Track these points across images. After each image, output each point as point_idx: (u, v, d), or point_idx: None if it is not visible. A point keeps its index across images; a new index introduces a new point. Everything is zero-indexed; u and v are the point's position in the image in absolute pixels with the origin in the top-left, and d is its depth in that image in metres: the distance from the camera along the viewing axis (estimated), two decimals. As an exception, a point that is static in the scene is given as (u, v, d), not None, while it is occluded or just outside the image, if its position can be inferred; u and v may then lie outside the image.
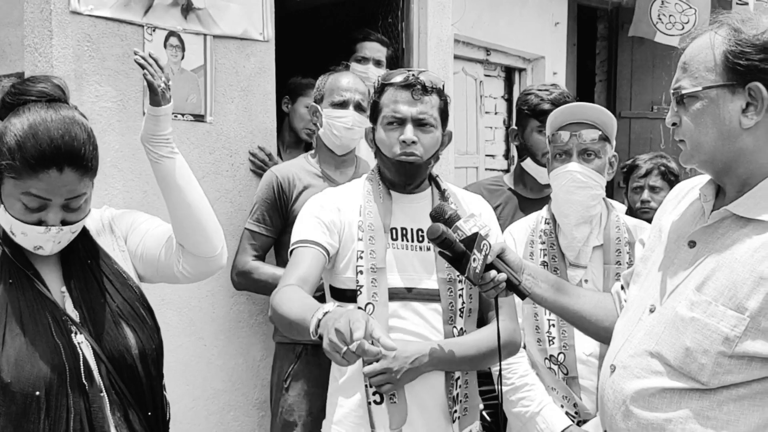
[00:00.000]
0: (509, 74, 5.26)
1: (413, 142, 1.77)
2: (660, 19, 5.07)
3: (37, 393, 1.38)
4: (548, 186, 2.24)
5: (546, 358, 2.02)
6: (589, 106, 2.08)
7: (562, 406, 2.00)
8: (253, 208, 2.50)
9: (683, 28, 4.94)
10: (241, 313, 2.73)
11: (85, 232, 1.55)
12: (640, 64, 6.47)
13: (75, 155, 1.39)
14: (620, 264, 2.03)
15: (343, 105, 2.49)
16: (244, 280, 2.48)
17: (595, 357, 1.99)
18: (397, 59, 3.71)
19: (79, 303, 1.49)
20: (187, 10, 2.53)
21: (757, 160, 1.31)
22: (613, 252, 2.05)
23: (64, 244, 1.48)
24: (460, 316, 1.78)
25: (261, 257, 2.49)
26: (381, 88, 1.85)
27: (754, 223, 1.29)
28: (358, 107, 2.51)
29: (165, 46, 2.48)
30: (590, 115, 2.04)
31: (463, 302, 1.78)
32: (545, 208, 2.18)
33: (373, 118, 1.87)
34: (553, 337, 2.01)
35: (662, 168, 3.04)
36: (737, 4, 4.88)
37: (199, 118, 2.60)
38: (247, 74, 2.74)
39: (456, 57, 4.47)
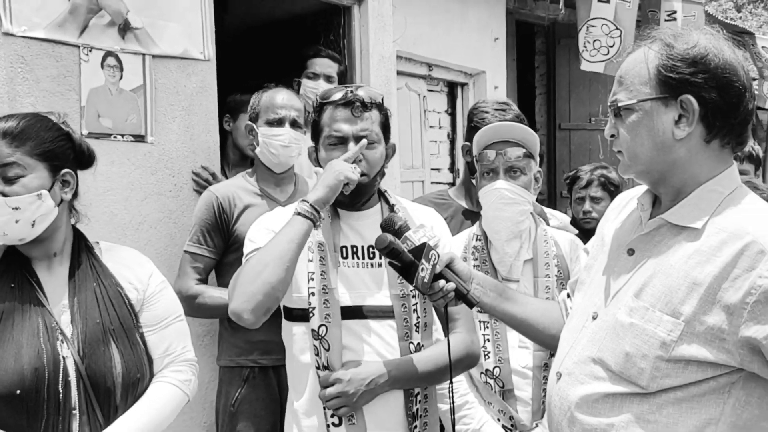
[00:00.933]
0: (452, 89, 5.35)
1: (358, 161, 1.75)
2: (585, 46, 5.26)
3: (18, 392, 1.46)
4: None
5: (482, 373, 2.05)
6: (512, 125, 2.14)
7: (498, 420, 2.03)
8: (192, 229, 2.44)
9: (608, 52, 5.13)
10: (188, 336, 2.68)
11: (92, 251, 1.70)
12: (577, 77, 6.67)
13: (7, 124, 1.54)
14: (549, 277, 2.09)
15: (278, 123, 2.47)
16: (187, 306, 2.34)
17: (530, 368, 2.04)
18: (340, 76, 3.73)
19: (75, 320, 1.57)
20: (125, 29, 2.49)
21: (690, 170, 1.36)
22: (542, 265, 2.10)
23: (9, 230, 1.54)
24: (416, 331, 1.77)
25: (204, 280, 2.42)
26: (320, 107, 1.81)
27: (687, 230, 1.33)
28: (294, 124, 2.49)
29: (102, 67, 2.44)
30: (514, 133, 2.10)
31: (418, 317, 1.77)
32: (476, 224, 2.22)
33: (315, 137, 1.84)
34: (489, 352, 2.05)
35: (602, 179, 3.12)
36: (666, 21, 5.06)
37: (140, 138, 2.55)
38: (188, 93, 2.71)
39: (399, 73, 4.52)
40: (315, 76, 3.19)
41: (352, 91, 1.78)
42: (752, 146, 3.11)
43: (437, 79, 5.13)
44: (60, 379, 1.49)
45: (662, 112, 1.33)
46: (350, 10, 3.69)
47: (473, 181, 2.60)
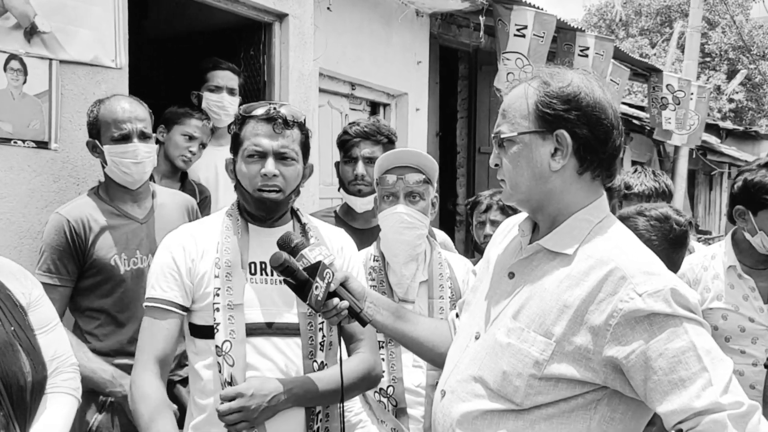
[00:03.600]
0: (374, 108, 5.43)
1: (274, 176, 1.76)
2: (507, 78, 5.43)
3: None
4: (367, 213, 2.28)
5: (376, 392, 2.09)
6: (412, 152, 2.20)
7: None
8: (42, 257, 2.24)
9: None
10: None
11: None
12: (497, 102, 6.82)
13: None
14: (443, 298, 2.15)
15: (125, 138, 2.29)
16: None
17: (423, 387, 2.09)
18: (258, 91, 3.73)
19: None
20: (31, 33, 2.44)
21: (564, 200, 1.44)
22: (437, 287, 2.17)
23: None
24: (320, 349, 1.78)
25: (59, 312, 2.22)
26: (242, 120, 1.82)
27: (561, 256, 1.41)
28: (143, 136, 2.32)
29: (5, 70, 2.37)
30: (414, 159, 2.16)
31: (324, 336, 1.79)
32: (374, 246, 2.26)
33: (234, 150, 1.84)
34: (383, 371, 2.07)
35: (500, 203, 3.20)
36: (579, 55, 5.28)
37: (43, 144, 2.49)
38: (97, 101, 2.66)
39: (322, 90, 4.56)
40: (217, 89, 3.13)
41: (275, 108, 1.80)
42: (664, 181, 3.04)
43: (360, 98, 5.20)
44: None
45: (540, 144, 1.42)
46: (271, 27, 3.71)
47: (341, 194, 2.65)
